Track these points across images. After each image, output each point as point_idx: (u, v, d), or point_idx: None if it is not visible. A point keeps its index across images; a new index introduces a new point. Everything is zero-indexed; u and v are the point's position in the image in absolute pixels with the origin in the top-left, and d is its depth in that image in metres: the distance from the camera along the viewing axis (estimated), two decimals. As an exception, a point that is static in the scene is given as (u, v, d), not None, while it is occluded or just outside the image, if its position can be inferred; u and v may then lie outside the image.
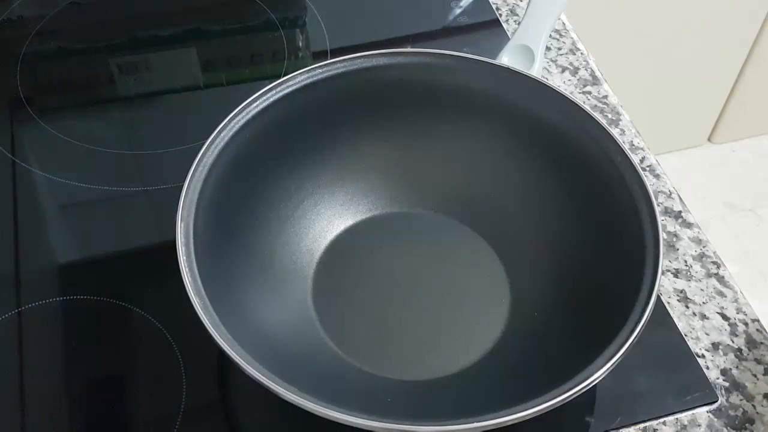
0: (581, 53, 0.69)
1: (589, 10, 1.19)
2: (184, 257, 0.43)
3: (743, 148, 1.63)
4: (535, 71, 0.55)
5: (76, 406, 0.49)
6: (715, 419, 0.48)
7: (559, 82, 0.66)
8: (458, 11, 0.74)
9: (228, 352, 0.39)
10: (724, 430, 0.48)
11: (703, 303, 0.53)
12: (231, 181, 0.48)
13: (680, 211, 0.58)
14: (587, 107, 0.50)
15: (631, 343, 0.40)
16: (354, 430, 0.38)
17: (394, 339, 0.50)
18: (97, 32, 0.71)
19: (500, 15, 0.73)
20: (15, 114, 0.64)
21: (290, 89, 0.51)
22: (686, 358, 0.50)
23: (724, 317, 0.53)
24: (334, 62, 0.52)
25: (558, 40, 0.70)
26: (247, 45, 0.71)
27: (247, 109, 0.49)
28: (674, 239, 0.56)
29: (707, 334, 0.52)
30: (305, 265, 0.53)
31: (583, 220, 0.50)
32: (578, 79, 0.67)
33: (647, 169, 0.60)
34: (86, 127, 0.63)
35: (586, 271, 0.49)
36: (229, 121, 0.48)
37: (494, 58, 0.54)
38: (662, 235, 0.44)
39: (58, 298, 0.53)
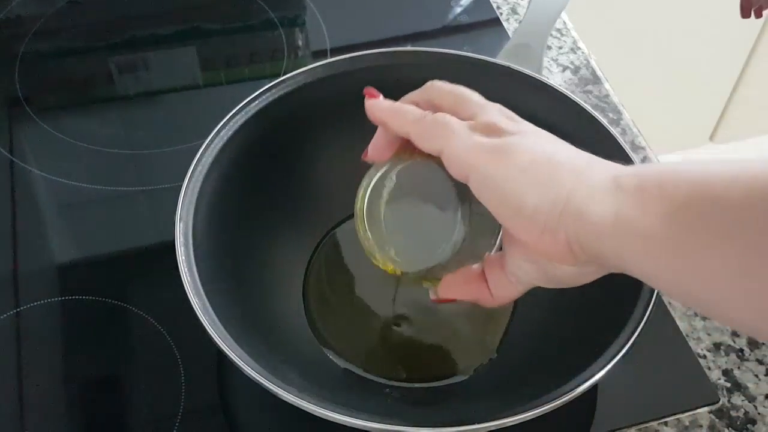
0: (582, 52, 0.69)
1: (590, 9, 1.19)
2: (183, 257, 0.43)
3: (745, 147, 1.63)
4: (536, 70, 0.55)
5: (75, 406, 0.49)
6: (717, 420, 0.48)
7: (560, 81, 0.66)
8: (458, 10, 0.73)
9: (227, 352, 0.39)
10: (726, 430, 0.47)
11: (705, 303, 0.53)
12: (230, 180, 0.48)
13: (682, 211, 0.58)
14: (588, 106, 0.50)
15: (632, 344, 0.40)
16: (353, 431, 0.38)
17: (394, 341, 0.50)
18: (95, 31, 0.71)
19: (501, 14, 0.72)
20: (14, 113, 0.64)
21: (290, 88, 0.51)
22: (688, 359, 0.50)
23: (726, 317, 0.52)
24: (333, 61, 0.52)
25: (559, 39, 0.70)
26: (247, 44, 0.70)
27: (247, 109, 0.49)
28: (676, 239, 0.56)
29: (709, 334, 0.52)
30: (305, 265, 0.52)
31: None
32: (579, 78, 0.66)
33: (648, 168, 0.60)
34: (85, 127, 0.63)
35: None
36: (229, 120, 0.48)
37: (495, 57, 0.54)
38: (664, 235, 0.44)
39: (56, 299, 0.53)
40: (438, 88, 0.39)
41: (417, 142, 0.37)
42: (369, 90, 0.41)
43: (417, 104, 0.39)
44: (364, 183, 0.42)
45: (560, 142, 0.36)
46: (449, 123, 0.36)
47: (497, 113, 0.37)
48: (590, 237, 0.32)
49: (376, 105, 0.39)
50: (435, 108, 0.38)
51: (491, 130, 0.35)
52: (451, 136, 0.35)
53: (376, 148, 0.41)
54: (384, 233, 0.42)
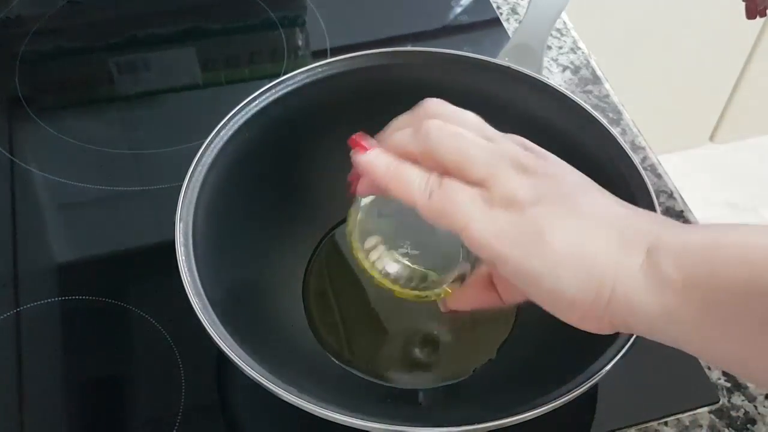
0: (582, 52, 0.69)
1: (590, 9, 1.18)
2: (183, 257, 0.43)
3: (745, 147, 1.63)
4: (536, 70, 0.55)
5: (75, 406, 0.49)
6: (717, 420, 0.48)
7: (560, 81, 0.66)
8: (459, 10, 0.73)
9: (227, 353, 0.39)
10: (726, 430, 0.47)
11: (705, 303, 0.53)
12: (230, 180, 0.48)
13: (682, 211, 0.58)
14: (588, 106, 0.50)
15: (632, 344, 0.40)
16: (353, 430, 0.38)
17: (394, 341, 0.50)
18: (96, 31, 0.71)
19: (501, 14, 0.72)
20: (14, 113, 0.64)
21: (290, 88, 0.51)
22: (688, 359, 0.50)
23: (726, 317, 0.52)
24: (333, 61, 0.52)
25: (559, 39, 0.70)
26: (247, 44, 0.70)
27: (247, 108, 0.49)
28: (676, 239, 0.56)
29: (709, 334, 0.52)
30: (305, 265, 0.52)
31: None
32: (579, 78, 0.66)
33: (648, 168, 0.60)
34: (85, 127, 0.63)
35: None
36: (229, 120, 0.48)
37: (495, 57, 0.54)
38: (664, 235, 0.44)
39: (56, 299, 0.53)
40: (438, 142, 0.33)
41: (427, 218, 0.33)
42: (356, 140, 0.35)
43: (415, 157, 0.34)
44: (353, 217, 0.41)
45: (588, 198, 0.33)
46: (462, 202, 0.32)
47: (512, 174, 0.32)
48: (641, 326, 0.31)
49: (371, 166, 0.34)
50: (437, 164, 0.33)
51: (510, 204, 0.32)
52: (468, 218, 0.32)
53: (366, 185, 0.37)
54: (391, 259, 0.42)
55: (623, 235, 0.31)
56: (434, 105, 0.36)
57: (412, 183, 0.33)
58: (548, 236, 0.31)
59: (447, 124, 0.34)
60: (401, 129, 0.36)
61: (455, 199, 0.32)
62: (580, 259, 0.31)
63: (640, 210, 0.34)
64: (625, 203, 0.34)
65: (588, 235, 0.31)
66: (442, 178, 0.33)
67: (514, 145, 0.34)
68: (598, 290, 0.31)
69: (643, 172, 0.46)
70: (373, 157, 0.35)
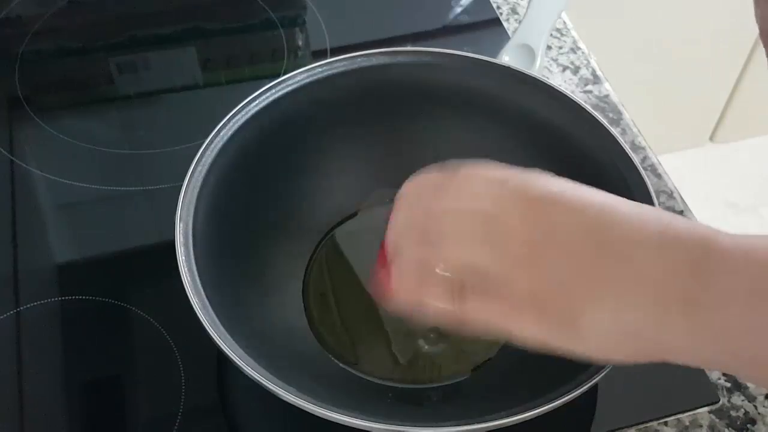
0: (582, 52, 0.69)
1: (590, 9, 1.18)
2: (183, 257, 0.43)
3: (745, 147, 1.63)
4: (536, 70, 0.55)
5: (75, 406, 0.49)
6: (717, 420, 0.48)
7: (560, 81, 0.66)
8: (459, 10, 0.73)
9: (227, 352, 0.39)
10: (726, 430, 0.47)
11: (705, 303, 0.53)
12: (230, 180, 0.48)
13: (682, 211, 0.58)
14: (588, 106, 0.50)
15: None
16: (352, 430, 0.38)
17: (395, 341, 0.50)
18: (96, 31, 0.71)
19: (501, 14, 0.72)
20: (14, 113, 0.64)
21: (290, 88, 0.51)
22: (688, 359, 0.50)
23: (726, 317, 0.52)
24: (333, 61, 0.52)
25: (559, 39, 0.70)
26: (247, 44, 0.70)
27: (247, 109, 0.49)
28: (676, 239, 0.56)
29: (709, 334, 0.52)
30: (305, 265, 0.52)
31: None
32: (579, 78, 0.66)
33: (648, 168, 0.60)
34: (85, 127, 0.63)
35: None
36: (229, 120, 0.48)
37: (495, 57, 0.54)
38: (664, 235, 0.44)
39: (56, 299, 0.53)
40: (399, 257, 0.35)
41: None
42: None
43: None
44: None
45: (610, 255, 0.31)
46: (492, 321, 0.33)
47: (523, 275, 0.32)
48: (678, 361, 0.32)
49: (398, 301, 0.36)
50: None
51: (533, 303, 0.32)
52: (505, 331, 0.33)
53: None
54: None
55: (657, 293, 0.30)
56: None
57: (439, 311, 0.34)
58: (581, 321, 0.31)
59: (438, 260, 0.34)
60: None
61: (485, 318, 0.34)
62: (618, 335, 0.31)
63: (667, 240, 0.31)
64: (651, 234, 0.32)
65: (621, 307, 0.31)
66: (464, 300, 0.34)
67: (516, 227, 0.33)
68: (639, 350, 0.32)
69: (643, 172, 0.46)
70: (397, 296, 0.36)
